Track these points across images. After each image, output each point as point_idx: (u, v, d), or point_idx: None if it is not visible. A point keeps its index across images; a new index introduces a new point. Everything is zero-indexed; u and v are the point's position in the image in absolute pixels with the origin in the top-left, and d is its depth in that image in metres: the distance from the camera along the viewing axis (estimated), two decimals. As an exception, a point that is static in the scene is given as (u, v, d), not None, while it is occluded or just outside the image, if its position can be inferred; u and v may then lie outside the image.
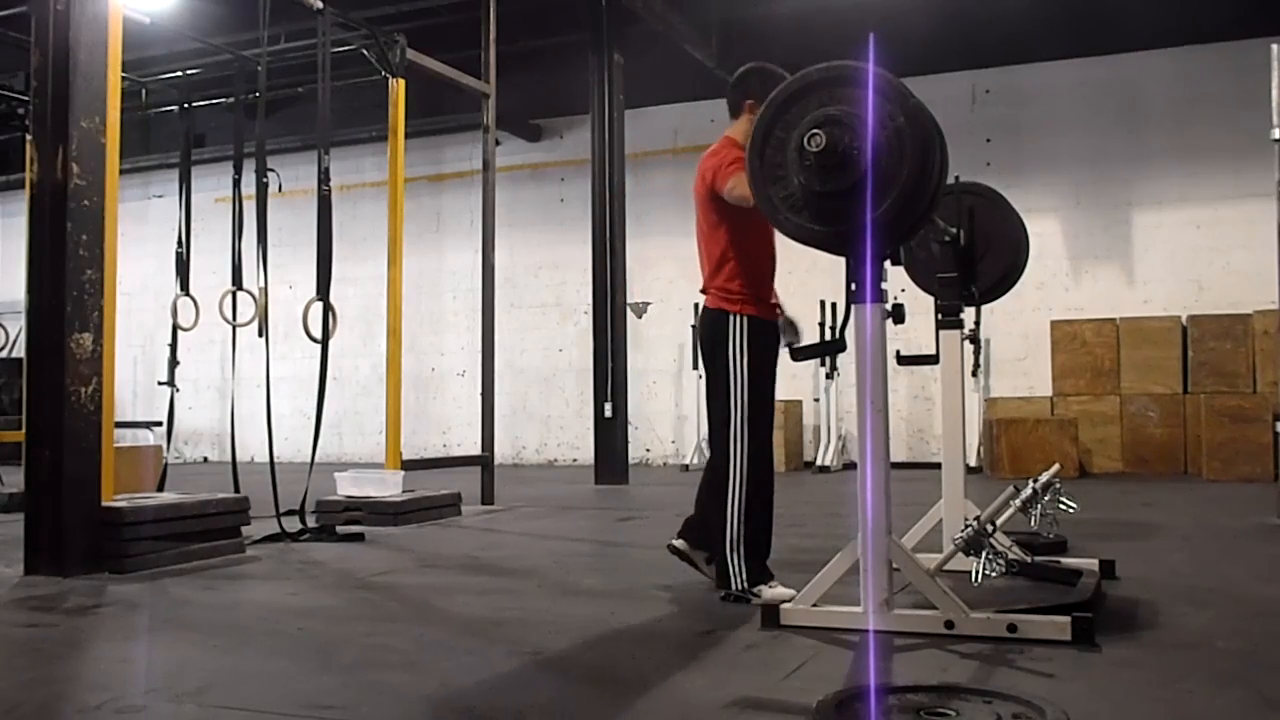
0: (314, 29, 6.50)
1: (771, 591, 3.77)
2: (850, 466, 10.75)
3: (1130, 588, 4.07)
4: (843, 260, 3.35)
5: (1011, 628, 3.16)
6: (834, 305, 10.31)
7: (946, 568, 3.64)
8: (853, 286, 3.34)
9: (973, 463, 9.76)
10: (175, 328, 6.47)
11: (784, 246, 3.88)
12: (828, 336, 9.70)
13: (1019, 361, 11.23)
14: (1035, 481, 3.84)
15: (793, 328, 4.25)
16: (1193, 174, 10.75)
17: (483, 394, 8.05)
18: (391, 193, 7.29)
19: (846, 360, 7.14)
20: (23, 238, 4.91)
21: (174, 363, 6.60)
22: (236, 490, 5.63)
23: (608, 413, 9.92)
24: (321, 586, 4.49)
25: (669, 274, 12.36)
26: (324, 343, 6.11)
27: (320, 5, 6.32)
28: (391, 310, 7.18)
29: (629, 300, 10.89)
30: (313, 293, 6.15)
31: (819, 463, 11.20)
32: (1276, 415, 8.72)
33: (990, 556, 3.43)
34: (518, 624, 3.61)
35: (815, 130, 3.13)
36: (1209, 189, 10.70)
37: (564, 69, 11.41)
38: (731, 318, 3.97)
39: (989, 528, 3.49)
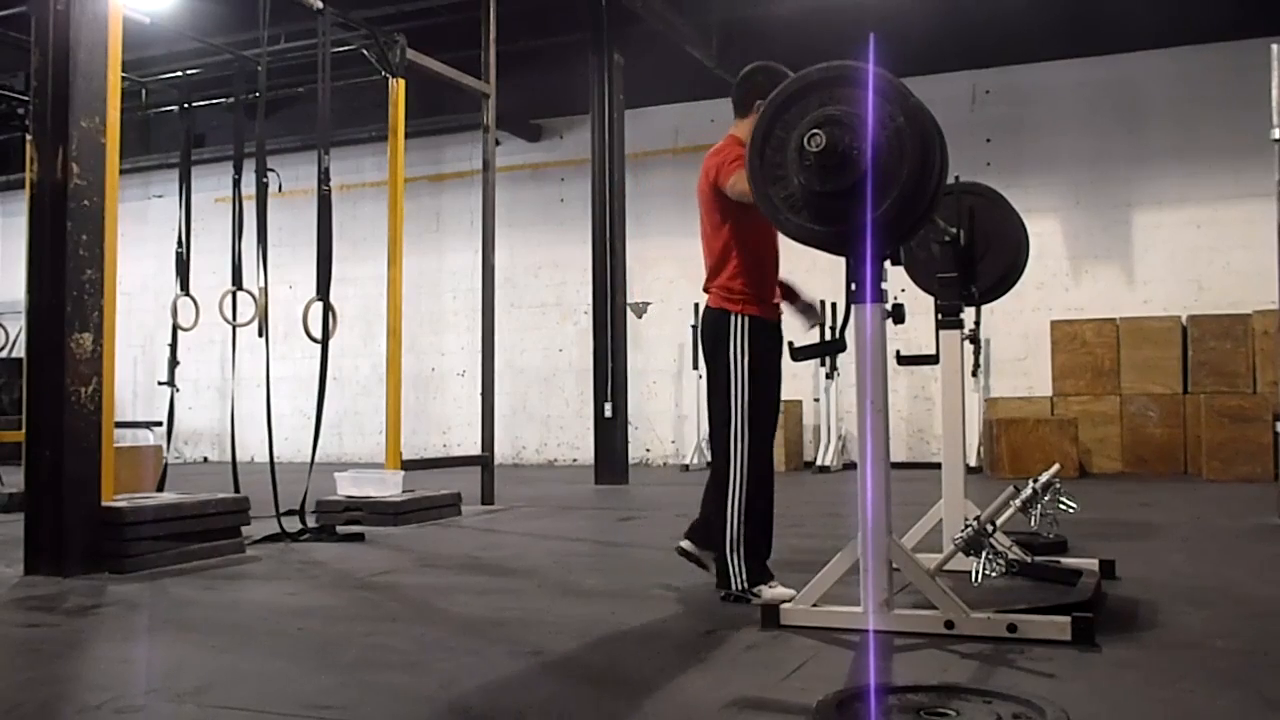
0: (314, 29, 6.50)
1: (772, 591, 3.77)
2: (850, 466, 10.75)
3: (1130, 588, 4.07)
4: (843, 260, 3.35)
5: (1011, 628, 3.16)
6: (834, 305, 10.31)
7: (946, 568, 3.64)
8: (853, 286, 3.34)
9: (973, 463, 9.76)
10: (175, 328, 6.48)
11: (785, 246, 3.89)
12: (828, 336, 9.71)
13: (1019, 361, 11.23)
14: (1035, 481, 3.84)
15: (812, 310, 4.24)
16: (1193, 174, 10.75)
17: (483, 394, 8.05)
18: (391, 193, 7.29)
19: (846, 360, 7.16)
20: (23, 238, 4.91)
21: (174, 363, 6.60)
22: (236, 490, 5.64)
23: (608, 413, 9.92)
24: (321, 586, 4.49)
25: (669, 274, 12.36)
26: (324, 343, 6.11)
27: (320, 5, 6.32)
28: (391, 310, 7.18)
29: (629, 300, 10.89)
30: (313, 293, 6.15)
31: (819, 463, 11.20)
32: (1276, 415, 8.72)
33: (990, 556, 3.43)
34: (518, 624, 3.61)
35: (815, 130, 3.13)
36: (1209, 189, 10.70)
37: (564, 69, 11.40)
38: (733, 317, 3.97)
39: (989, 528, 3.49)
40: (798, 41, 9.69)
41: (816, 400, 11.59)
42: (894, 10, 9.88)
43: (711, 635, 3.40)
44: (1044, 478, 3.87)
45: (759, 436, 3.94)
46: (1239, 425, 9.06)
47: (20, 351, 5.43)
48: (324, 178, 6.28)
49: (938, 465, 4.53)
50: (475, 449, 8.49)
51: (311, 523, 6.05)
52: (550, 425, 13.19)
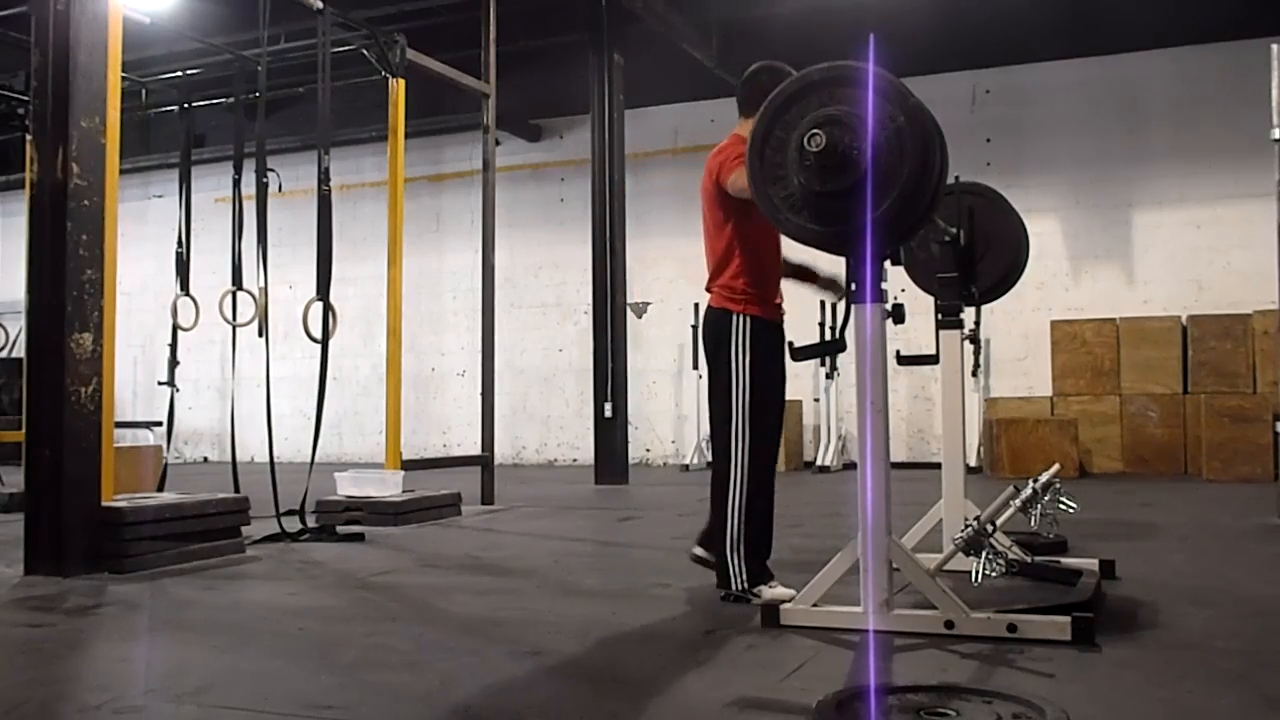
0: (314, 29, 6.50)
1: (772, 591, 3.77)
2: (850, 466, 10.75)
3: (1130, 588, 4.07)
4: (843, 260, 3.35)
5: (1011, 628, 3.16)
6: (834, 305, 10.32)
7: (946, 568, 3.64)
8: (853, 286, 3.34)
9: (973, 463, 9.76)
10: (175, 328, 6.48)
11: (786, 246, 3.88)
12: (828, 336, 9.71)
13: (1019, 361, 11.23)
14: (1035, 481, 3.84)
15: (835, 284, 4.21)
16: (1193, 174, 10.75)
17: (483, 394, 8.05)
18: (391, 193, 7.29)
19: (846, 360, 7.15)
20: (23, 238, 4.91)
21: (174, 363, 6.60)
22: (236, 490, 5.64)
23: (608, 413, 9.92)
24: (321, 586, 4.49)
25: (669, 274, 12.36)
26: (324, 343, 6.11)
27: (320, 5, 6.32)
28: (391, 310, 7.18)
29: (629, 300, 10.90)
30: (313, 293, 6.15)
31: (819, 463, 11.20)
32: (1276, 415, 8.72)
33: (990, 556, 3.43)
34: (517, 624, 3.61)
35: (815, 130, 3.13)
36: (1209, 189, 10.70)
37: (564, 69, 11.40)
38: (735, 317, 3.97)
39: (989, 528, 3.49)
40: (798, 41, 9.68)
41: (816, 400, 11.59)
42: (894, 10, 9.88)
43: (711, 635, 3.40)
44: (1044, 478, 3.87)
45: (759, 436, 3.93)
46: (1239, 425, 9.05)
47: (20, 351, 5.43)
48: (324, 178, 6.28)
49: (938, 465, 4.53)
50: (475, 449, 8.49)
51: (311, 523, 6.05)
52: (550, 425, 13.19)
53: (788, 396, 4.22)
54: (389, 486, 6.73)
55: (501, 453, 10.80)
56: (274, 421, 6.15)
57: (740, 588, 3.85)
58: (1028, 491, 3.78)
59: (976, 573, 3.42)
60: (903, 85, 3.19)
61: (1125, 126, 11.01)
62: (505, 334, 11.40)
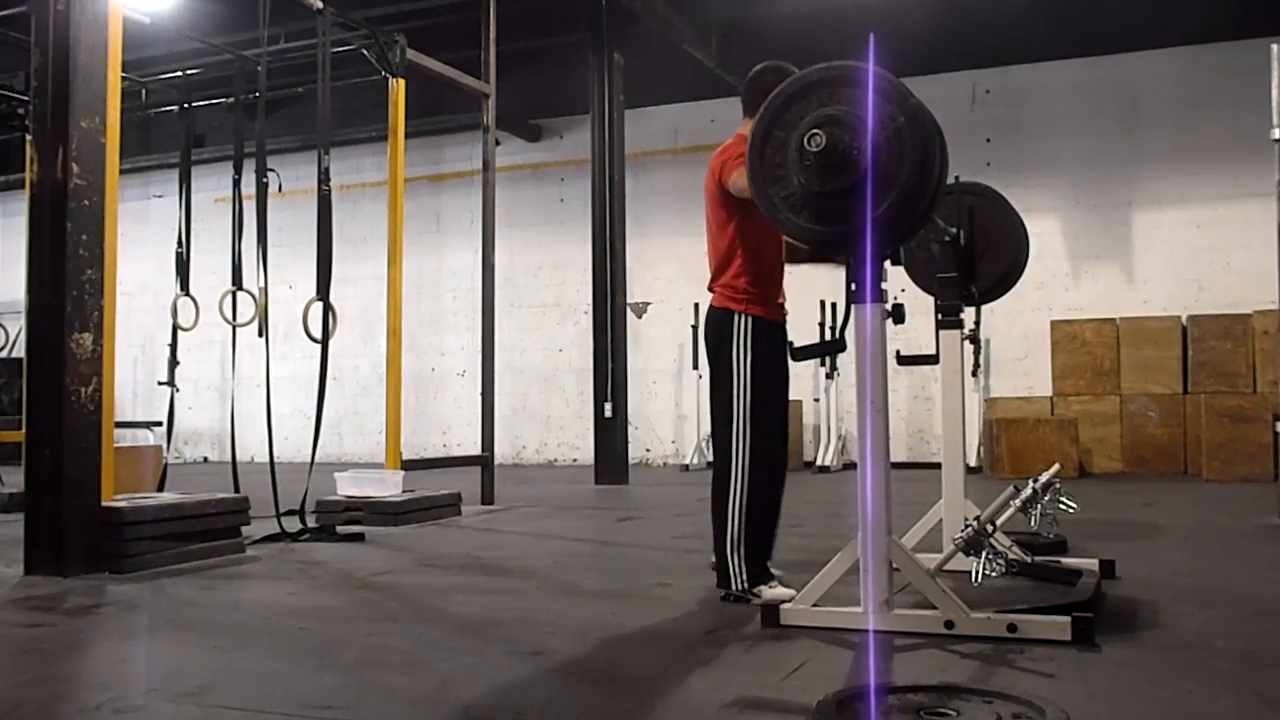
0: (314, 29, 6.50)
1: (772, 592, 3.77)
2: (850, 466, 10.75)
3: (1130, 588, 4.07)
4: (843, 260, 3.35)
5: (1011, 628, 3.16)
6: (834, 305, 10.32)
7: (946, 568, 3.64)
8: (853, 286, 3.34)
9: (973, 463, 9.76)
10: (175, 328, 6.48)
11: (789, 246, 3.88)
12: (828, 336, 9.71)
13: (1019, 361, 11.23)
14: (1035, 481, 3.84)
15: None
16: (1193, 174, 10.75)
17: (483, 394, 8.05)
18: (391, 193, 7.29)
19: (846, 360, 7.15)
20: (23, 238, 4.91)
21: (174, 363, 6.60)
22: (236, 490, 5.64)
23: (608, 413, 9.92)
24: (321, 586, 4.50)
25: (669, 274, 12.36)
26: (324, 343, 6.11)
27: (320, 5, 6.32)
28: (391, 310, 7.18)
29: (629, 300, 10.90)
30: (313, 293, 6.15)
31: (819, 463, 11.20)
32: (1276, 415, 8.72)
33: (990, 556, 3.43)
34: (517, 624, 3.61)
35: (815, 130, 3.13)
36: (1209, 189, 10.70)
37: (564, 69, 11.40)
38: (736, 317, 3.96)
39: (989, 528, 3.48)
40: (798, 41, 9.66)
41: (816, 400, 11.59)
42: (894, 10, 9.88)
43: (711, 635, 3.40)
44: (1044, 478, 3.87)
45: (760, 436, 3.93)
46: (1239, 425, 9.05)
47: (20, 351, 5.42)
48: (324, 178, 6.28)
49: (938, 465, 4.53)
50: (475, 449, 8.49)
51: (311, 523, 6.05)
52: (550, 425, 13.19)
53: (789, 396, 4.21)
54: (389, 486, 6.73)
55: (501, 453, 10.80)
56: (274, 421, 6.15)
57: (740, 588, 3.85)
58: (1028, 491, 3.78)
59: (976, 573, 3.42)
60: (903, 85, 3.19)
61: (1125, 126, 11.01)
62: (505, 334, 11.40)
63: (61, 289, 4.68)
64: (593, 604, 4.01)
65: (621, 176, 10.17)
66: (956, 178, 4.06)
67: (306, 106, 9.05)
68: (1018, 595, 3.67)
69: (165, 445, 6.75)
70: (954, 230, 4.29)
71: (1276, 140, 6.01)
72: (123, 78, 5.25)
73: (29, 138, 4.87)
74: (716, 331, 4.03)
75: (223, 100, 8.10)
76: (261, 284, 6.03)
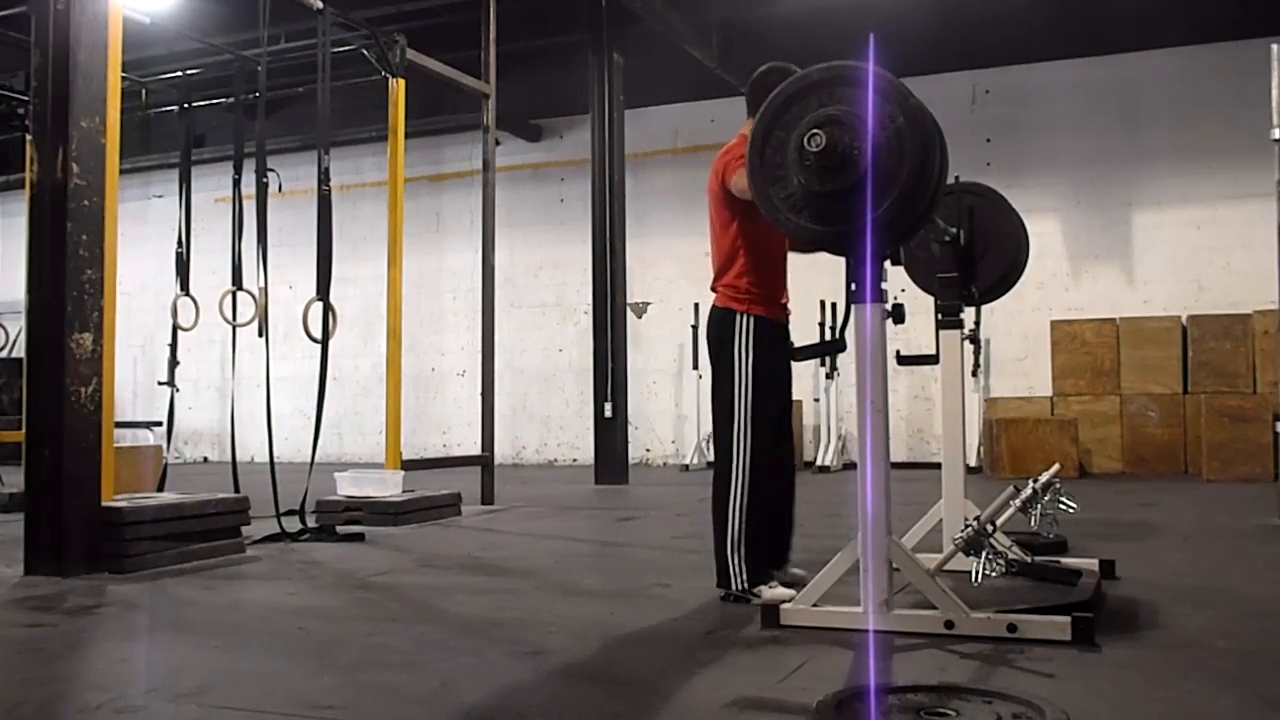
0: (314, 29, 6.51)
1: (771, 592, 3.77)
2: (850, 466, 10.74)
3: (1130, 588, 4.07)
4: (843, 260, 3.35)
5: (1011, 628, 3.16)
6: (834, 305, 10.32)
7: (946, 568, 3.64)
8: (853, 286, 3.34)
9: (973, 463, 9.76)
10: (175, 328, 6.48)
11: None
12: (828, 336, 9.71)
13: (1019, 361, 11.23)
14: (1035, 481, 3.84)
15: None
16: (1193, 174, 10.75)
17: (483, 394, 8.05)
18: (391, 193, 7.29)
19: (846, 360, 7.14)
20: (23, 238, 4.91)
21: (174, 363, 6.60)
22: (236, 490, 5.64)
23: (608, 413, 9.92)
24: (321, 586, 4.49)
25: (669, 274, 12.36)
26: (324, 343, 6.11)
27: (320, 5, 6.32)
28: (391, 310, 7.18)
29: (629, 300, 10.89)
30: (313, 293, 6.15)
31: (819, 463, 11.20)
32: (1276, 415, 8.72)
33: (990, 556, 3.43)
34: (518, 624, 3.61)
35: (815, 130, 3.13)
36: (1209, 189, 10.70)
37: (564, 69, 11.40)
38: (738, 317, 3.96)
39: (989, 528, 3.48)
40: (798, 41, 9.66)
41: (816, 400, 11.59)
42: (894, 10, 9.88)
43: (711, 635, 3.40)
44: (1044, 478, 3.87)
45: (761, 436, 3.93)
46: (1239, 425, 9.05)
47: (20, 351, 5.42)
48: (324, 178, 6.28)
49: (938, 465, 4.53)
50: (475, 449, 8.49)
51: (311, 523, 6.05)
52: (550, 425, 13.19)
53: (788, 397, 4.20)
54: (389, 486, 6.73)
55: (501, 453, 10.80)
56: (274, 421, 6.15)
57: (740, 588, 3.85)
58: (1028, 491, 3.78)
59: (976, 573, 3.42)
60: (903, 85, 3.19)
61: (1125, 126, 11.01)
62: (505, 334, 11.40)
63: (61, 289, 4.68)
64: (593, 604, 4.01)
65: (621, 176, 10.16)
66: (956, 178, 4.06)
67: (306, 106, 9.05)
68: (1018, 595, 3.67)
69: (165, 445, 6.75)
70: (954, 230, 4.29)
71: (1276, 140, 6.01)
72: (123, 78, 5.24)
73: (29, 138, 4.87)
74: (719, 331, 4.03)
75: (223, 100, 8.12)
76: (261, 284, 6.03)
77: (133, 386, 14.69)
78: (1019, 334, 11.16)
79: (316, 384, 6.12)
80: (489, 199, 8.13)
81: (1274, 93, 6.00)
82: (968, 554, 3.47)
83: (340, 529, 6.06)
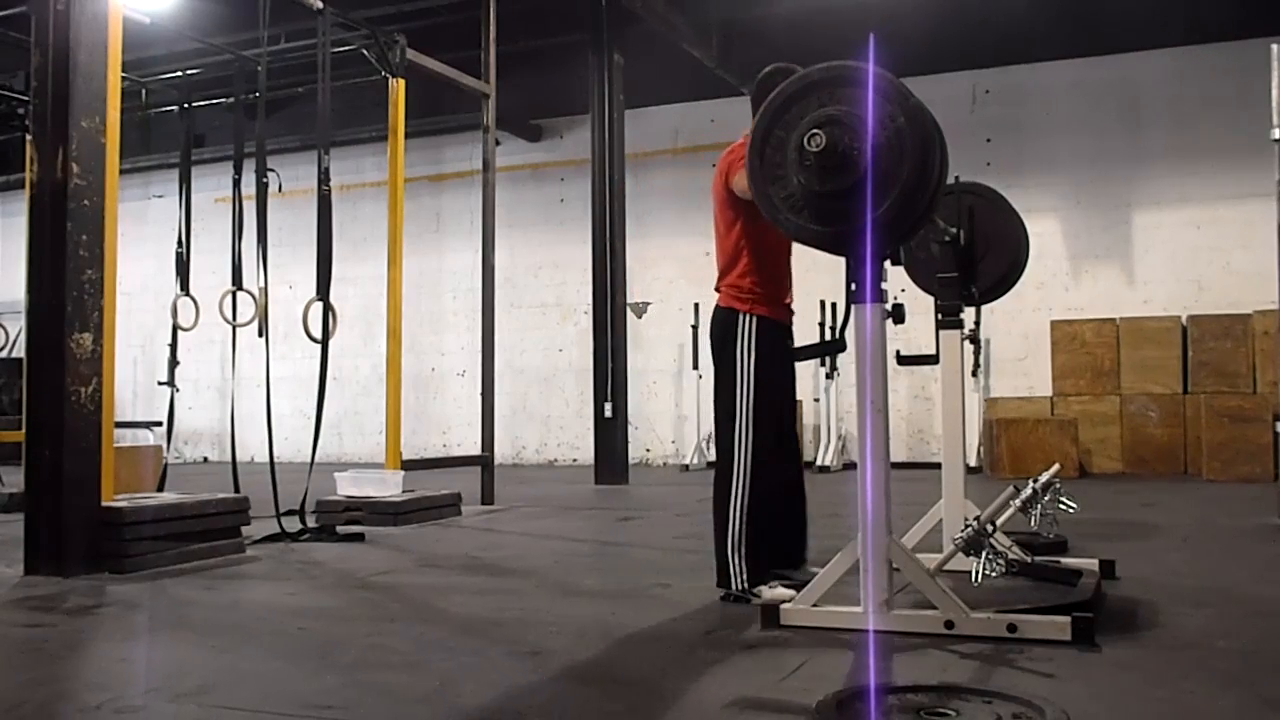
0: (314, 29, 6.50)
1: (771, 592, 3.77)
2: (850, 466, 10.74)
3: (1130, 588, 4.07)
4: (842, 260, 3.35)
5: (1011, 628, 3.16)
6: (834, 305, 10.32)
7: (946, 568, 3.64)
8: (853, 286, 3.34)
9: (973, 463, 9.76)
10: (175, 328, 6.48)
11: (797, 247, 3.86)
12: (828, 336, 9.71)
13: (1019, 361, 11.23)
14: (1035, 481, 3.84)
15: None
16: (1193, 174, 10.75)
17: (483, 394, 8.05)
18: (391, 193, 7.29)
19: (846, 360, 7.14)
20: (23, 238, 4.91)
21: (174, 363, 6.60)
22: (236, 490, 5.64)
23: (608, 413, 9.92)
24: (321, 586, 4.49)
25: (669, 274, 12.36)
26: (324, 343, 6.11)
27: (320, 5, 6.32)
28: (391, 310, 7.18)
29: (629, 300, 10.89)
30: (313, 293, 6.15)
31: (819, 463, 11.20)
32: (1276, 415, 8.72)
33: (990, 556, 3.43)
34: (518, 624, 3.61)
35: (815, 130, 3.13)
36: (1209, 189, 10.70)
37: (564, 69, 11.40)
38: (741, 316, 3.96)
39: (989, 528, 3.48)
40: (798, 41, 9.67)
41: (816, 400, 11.59)
42: (894, 10, 9.88)
43: (711, 635, 3.40)
44: (1044, 478, 3.87)
45: (763, 436, 3.92)
46: (1239, 425, 9.05)
47: (20, 351, 5.42)
48: (324, 178, 6.28)
49: (938, 465, 4.53)
50: (475, 449, 8.49)
51: (311, 523, 6.05)
52: (550, 425, 13.19)
53: (788, 397, 4.20)
54: (389, 486, 6.73)
55: (501, 453, 10.80)
56: (274, 421, 6.15)
57: (740, 588, 3.85)
58: (1028, 491, 3.78)
59: (976, 573, 3.42)
60: (903, 85, 3.19)
61: (1125, 126, 11.01)
62: (505, 334, 11.40)
63: (61, 289, 4.68)
64: (593, 604, 4.01)
65: (621, 176, 10.16)
66: (956, 178, 4.06)
67: (306, 106, 9.05)
68: (1018, 595, 3.67)
69: (165, 445, 6.75)
70: (954, 230, 4.29)
71: (1276, 140, 6.01)
72: (123, 78, 5.25)
73: (29, 138, 4.87)
74: (721, 331, 4.03)
75: (223, 100, 8.11)
76: (261, 284, 6.03)
77: (133, 386, 14.69)
78: (1019, 334, 11.17)
79: (316, 384, 6.12)
80: (489, 199, 8.13)
81: (1274, 93, 6.00)
82: (968, 554, 3.47)
83: (340, 529, 6.06)
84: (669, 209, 12.17)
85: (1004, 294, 4.74)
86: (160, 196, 14.13)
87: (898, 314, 3.35)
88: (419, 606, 4.04)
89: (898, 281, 3.90)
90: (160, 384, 7.68)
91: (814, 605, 3.39)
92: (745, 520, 3.88)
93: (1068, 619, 3.15)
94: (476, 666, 3.03)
